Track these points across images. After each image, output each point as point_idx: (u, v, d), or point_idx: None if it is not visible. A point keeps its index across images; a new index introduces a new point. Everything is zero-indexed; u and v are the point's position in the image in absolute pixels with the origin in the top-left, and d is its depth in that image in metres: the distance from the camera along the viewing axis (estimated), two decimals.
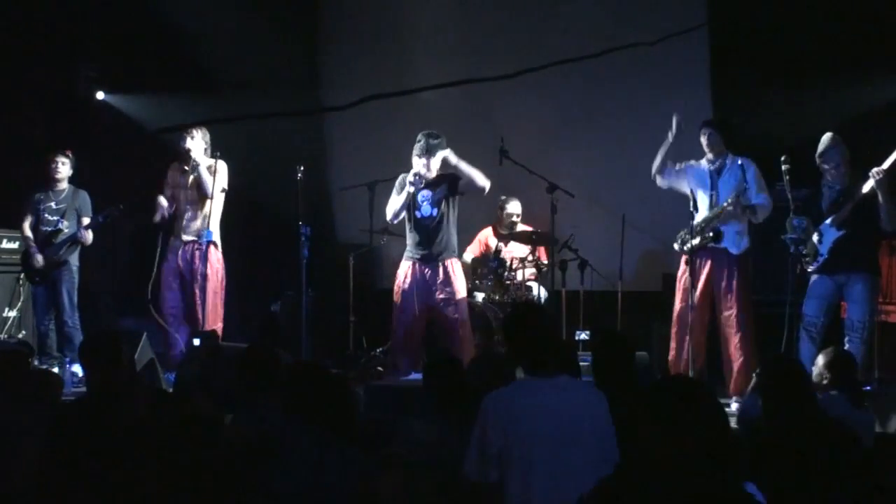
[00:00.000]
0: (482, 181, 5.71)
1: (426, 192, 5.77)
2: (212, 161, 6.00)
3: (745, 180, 5.43)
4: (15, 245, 6.59)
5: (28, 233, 6.27)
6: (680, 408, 2.01)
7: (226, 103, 6.85)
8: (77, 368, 5.78)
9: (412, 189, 5.70)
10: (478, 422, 2.78)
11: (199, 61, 7.21)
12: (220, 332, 5.92)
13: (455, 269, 5.79)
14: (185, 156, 5.98)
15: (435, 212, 5.75)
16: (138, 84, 7.33)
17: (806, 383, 3.21)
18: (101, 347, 3.26)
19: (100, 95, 7.37)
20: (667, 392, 2.09)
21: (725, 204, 5.45)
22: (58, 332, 6.20)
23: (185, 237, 6.02)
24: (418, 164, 5.71)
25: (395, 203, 5.80)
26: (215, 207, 5.98)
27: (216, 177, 5.91)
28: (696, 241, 5.42)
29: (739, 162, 5.48)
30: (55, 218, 6.26)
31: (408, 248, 5.85)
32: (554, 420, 2.73)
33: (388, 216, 5.87)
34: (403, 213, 5.81)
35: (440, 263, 5.75)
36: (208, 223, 5.99)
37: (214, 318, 5.97)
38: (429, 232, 5.76)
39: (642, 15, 6.78)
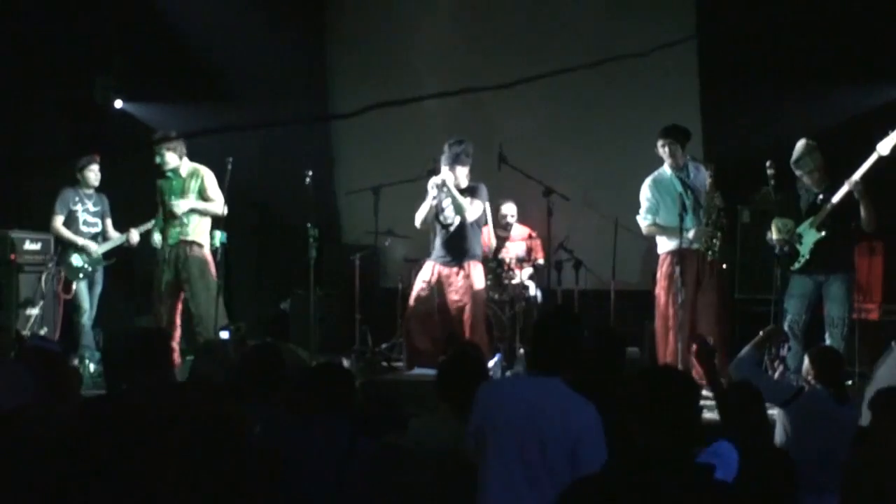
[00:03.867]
0: (469, 215, 5.89)
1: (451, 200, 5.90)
2: (192, 168, 6.05)
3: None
4: (37, 246, 6.66)
5: (66, 230, 6.41)
6: (660, 399, 2.08)
7: (239, 111, 6.98)
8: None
9: (434, 200, 5.86)
10: (473, 404, 2.99)
11: (214, 71, 7.36)
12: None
13: (474, 272, 5.92)
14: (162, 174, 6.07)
15: (458, 219, 5.91)
16: (155, 93, 7.48)
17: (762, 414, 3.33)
18: (151, 346, 3.10)
19: (118, 104, 7.52)
20: (648, 382, 2.16)
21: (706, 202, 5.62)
22: (81, 330, 6.45)
23: (181, 238, 6.09)
24: (446, 173, 5.83)
25: (422, 210, 5.93)
26: (207, 213, 6.07)
27: (211, 191, 6.00)
28: (695, 245, 5.57)
29: (702, 168, 5.68)
30: (95, 219, 6.51)
31: (434, 250, 5.99)
32: (522, 417, 2.78)
33: (417, 222, 5.99)
34: (430, 219, 5.97)
35: (461, 266, 5.89)
36: (203, 223, 6.09)
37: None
38: (451, 236, 5.91)
39: (634, 27, 6.92)
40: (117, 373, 3.10)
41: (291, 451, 2.89)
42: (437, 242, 5.98)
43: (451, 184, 5.82)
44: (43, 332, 6.50)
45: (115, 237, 6.56)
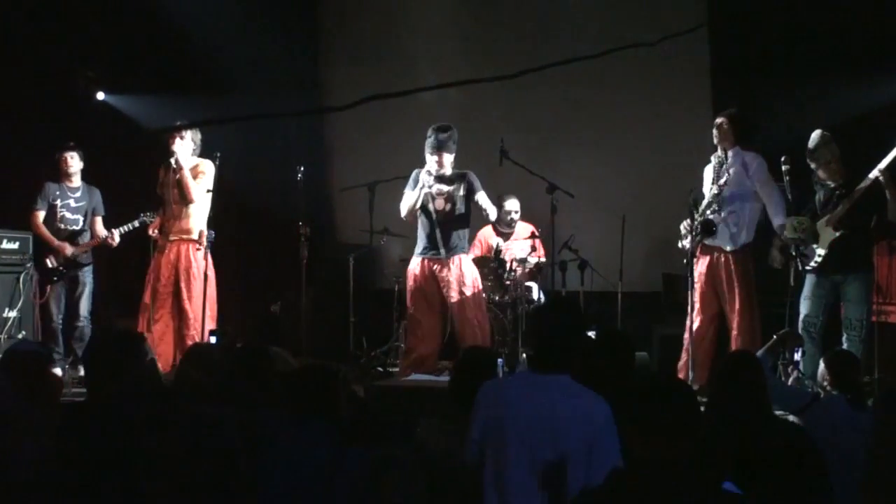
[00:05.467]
0: (492, 213, 5.90)
1: (442, 188, 5.76)
2: (198, 161, 5.99)
3: (748, 174, 5.41)
4: (15, 245, 6.51)
5: (43, 228, 6.25)
6: (657, 411, 2.02)
7: (226, 104, 6.83)
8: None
9: (427, 189, 5.68)
10: (473, 407, 2.83)
11: (200, 62, 7.20)
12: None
13: (466, 266, 5.78)
14: (170, 157, 5.99)
15: (449, 207, 5.74)
16: (138, 84, 7.32)
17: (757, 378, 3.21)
18: (124, 346, 3.09)
19: (100, 96, 7.35)
20: (647, 395, 2.10)
21: (712, 193, 5.42)
22: (70, 332, 6.25)
23: (172, 237, 6.00)
24: (431, 161, 5.68)
25: (409, 199, 5.76)
26: (201, 208, 5.96)
27: (201, 178, 5.91)
28: (689, 238, 5.39)
29: (746, 156, 5.45)
30: (76, 216, 6.31)
31: (419, 244, 5.82)
32: (535, 417, 2.68)
33: (403, 212, 5.81)
34: (417, 210, 5.79)
35: (451, 260, 5.73)
36: (198, 223, 5.97)
37: (210, 318, 5.97)
38: (442, 228, 5.74)
39: (643, 15, 6.80)
40: (94, 375, 3.08)
41: (278, 454, 2.84)
42: (424, 235, 5.81)
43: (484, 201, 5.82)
44: (21, 335, 6.35)
45: (96, 237, 6.30)
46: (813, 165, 5.30)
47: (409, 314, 5.87)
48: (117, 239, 6.22)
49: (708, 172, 5.61)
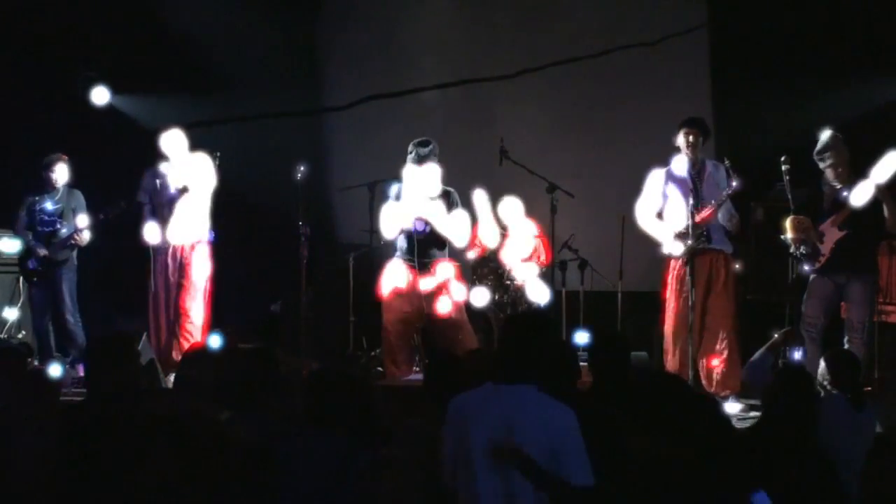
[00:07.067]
0: (458, 243, 5.68)
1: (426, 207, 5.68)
2: (192, 158, 5.91)
3: (717, 180, 5.38)
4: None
5: (22, 232, 6.29)
6: (658, 410, 2.02)
7: (226, 104, 6.83)
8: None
9: (418, 228, 5.59)
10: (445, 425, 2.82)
11: (200, 62, 7.21)
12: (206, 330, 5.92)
13: (446, 271, 5.70)
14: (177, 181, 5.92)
15: (427, 228, 5.66)
16: (138, 85, 7.31)
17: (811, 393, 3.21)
18: (115, 348, 3.16)
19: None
20: (648, 395, 2.09)
21: (722, 197, 5.40)
22: (58, 332, 6.21)
23: (175, 241, 5.96)
24: (411, 173, 5.62)
25: (389, 219, 5.67)
26: (202, 207, 5.93)
27: (202, 180, 5.87)
28: (691, 242, 5.37)
29: (722, 167, 5.39)
30: (52, 218, 6.29)
31: (398, 249, 5.76)
32: (495, 429, 2.68)
33: (386, 234, 5.73)
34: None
35: (432, 267, 5.67)
36: (199, 222, 5.94)
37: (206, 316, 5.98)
38: (419, 243, 5.67)
39: (642, 15, 6.81)
40: (92, 375, 3.18)
41: (286, 461, 2.84)
42: (404, 245, 5.73)
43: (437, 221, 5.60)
44: (21, 335, 6.35)
45: (65, 235, 6.27)
46: (821, 165, 5.27)
47: (384, 326, 5.76)
48: (85, 237, 6.18)
49: (660, 181, 5.50)
